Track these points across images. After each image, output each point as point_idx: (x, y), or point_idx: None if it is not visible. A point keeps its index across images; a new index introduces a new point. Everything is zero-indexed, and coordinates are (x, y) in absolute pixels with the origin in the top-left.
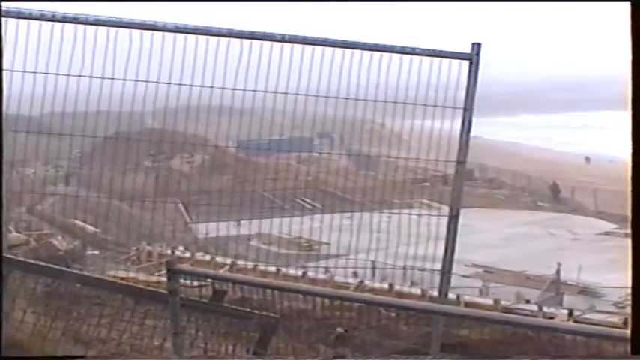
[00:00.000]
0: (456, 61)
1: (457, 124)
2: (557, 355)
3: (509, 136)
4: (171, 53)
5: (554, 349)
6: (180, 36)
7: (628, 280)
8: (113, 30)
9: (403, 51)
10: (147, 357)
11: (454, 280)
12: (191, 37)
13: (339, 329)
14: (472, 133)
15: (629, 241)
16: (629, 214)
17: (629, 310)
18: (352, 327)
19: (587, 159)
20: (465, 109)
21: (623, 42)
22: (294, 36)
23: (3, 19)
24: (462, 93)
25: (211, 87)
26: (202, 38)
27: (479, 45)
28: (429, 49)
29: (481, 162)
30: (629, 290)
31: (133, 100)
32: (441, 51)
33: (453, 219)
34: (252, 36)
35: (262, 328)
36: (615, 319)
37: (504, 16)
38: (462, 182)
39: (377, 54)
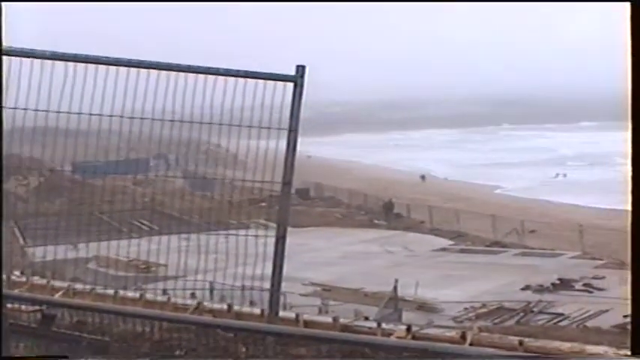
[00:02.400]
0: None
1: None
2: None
3: (345, 154)
4: (6, 77)
5: None
6: (15, 60)
7: (464, 295)
8: None
9: (227, 73)
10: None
11: (293, 299)
12: (26, 61)
13: (178, 352)
14: (310, 153)
15: (464, 257)
16: (468, 229)
17: (467, 324)
18: (190, 349)
19: (423, 177)
20: (290, 131)
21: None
22: (119, 59)
23: None
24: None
25: (46, 111)
26: (37, 61)
27: (303, 67)
28: (253, 72)
29: (317, 181)
30: (467, 305)
31: None
32: (265, 73)
33: (281, 239)
34: (86, 59)
35: (92, 352)
36: (453, 333)
37: (338, 38)
38: (289, 202)
39: (210, 77)
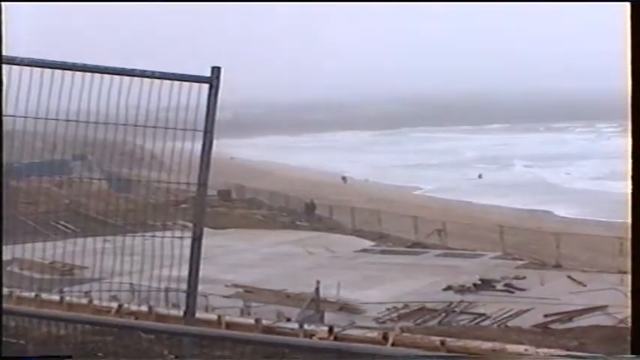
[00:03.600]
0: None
1: (216, 147)
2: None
3: (266, 156)
4: None
5: None
6: None
7: (386, 296)
8: None
9: (143, 74)
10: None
11: (215, 301)
12: None
13: (99, 354)
14: (232, 155)
15: (386, 258)
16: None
17: (389, 324)
18: (111, 352)
19: (344, 178)
20: (205, 132)
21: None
22: (34, 60)
23: None
24: (222, 114)
25: None
26: None
27: (219, 69)
28: (170, 73)
29: (239, 182)
30: (389, 306)
31: None
32: (180, 75)
33: (197, 240)
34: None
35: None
36: (375, 334)
37: (258, 39)
38: (204, 203)
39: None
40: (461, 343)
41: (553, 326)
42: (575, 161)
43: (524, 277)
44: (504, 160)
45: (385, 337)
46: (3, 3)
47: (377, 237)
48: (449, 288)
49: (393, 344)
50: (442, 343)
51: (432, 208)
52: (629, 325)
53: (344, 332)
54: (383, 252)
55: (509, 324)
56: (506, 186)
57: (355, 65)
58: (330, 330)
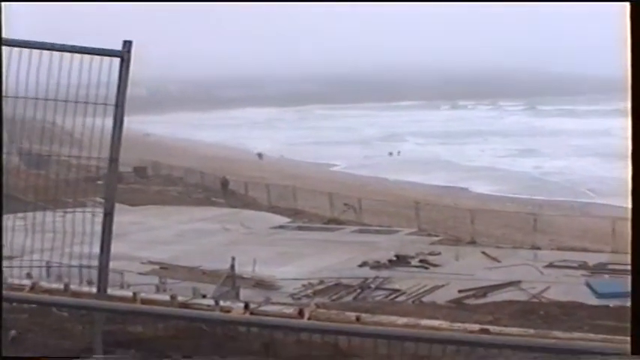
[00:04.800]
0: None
1: (131, 123)
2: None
3: (181, 132)
4: None
5: (229, 341)
6: None
7: (303, 272)
8: None
9: (53, 48)
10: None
11: (131, 278)
12: None
13: (13, 332)
14: (147, 131)
15: (302, 234)
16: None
17: (304, 300)
18: (26, 329)
19: (260, 155)
20: (116, 106)
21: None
22: None
23: None
24: (137, 90)
25: None
26: None
27: (130, 42)
28: (80, 47)
29: (154, 159)
30: (305, 282)
31: None
32: (92, 48)
33: (108, 216)
34: None
35: None
36: (291, 310)
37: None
38: (115, 179)
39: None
40: (376, 318)
41: (467, 301)
42: (476, 138)
43: (439, 253)
44: (401, 137)
45: (301, 313)
46: (3, 3)
47: (293, 213)
48: (364, 264)
49: (309, 319)
50: (357, 318)
51: (348, 184)
52: (542, 299)
53: (260, 308)
54: (299, 228)
55: (424, 299)
56: (421, 162)
57: (268, 44)
58: (246, 306)
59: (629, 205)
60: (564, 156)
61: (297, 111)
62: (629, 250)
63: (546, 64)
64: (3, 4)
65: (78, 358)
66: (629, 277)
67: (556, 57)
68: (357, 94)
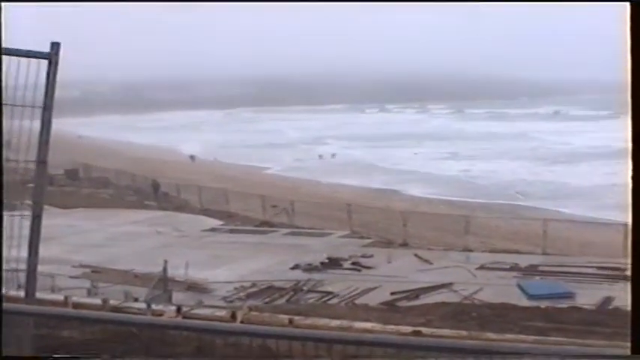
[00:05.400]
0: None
1: (64, 125)
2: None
3: (113, 135)
4: None
5: (161, 345)
6: None
7: (235, 275)
8: None
9: None
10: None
11: (62, 281)
12: None
13: None
14: (80, 133)
15: (234, 237)
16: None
17: (237, 303)
18: None
19: (192, 157)
20: (44, 109)
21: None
22: None
23: None
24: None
25: None
26: None
27: (58, 44)
28: (7, 48)
29: (86, 162)
30: (237, 285)
31: None
32: (19, 50)
33: (37, 218)
34: None
35: None
36: (223, 313)
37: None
38: (44, 181)
39: None
40: (309, 321)
41: (400, 304)
42: (401, 141)
43: (371, 256)
44: (325, 140)
45: (233, 316)
46: (3, 3)
47: (225, 216)
48: (297, 267)
49: (241, 322)
50: (290, 321)
51: (282, 187)
52: (474, 301)
53: (192, 311)
54: (231, 231)
55: (357, 302)
56: (354, 166)
57: (200, 46)
58: (178, 309)
59: (629, 205)
60: (493, 159)
61: (228, 114)
62: (630, 250)
63: (481, 67)
64: (3, 4)
65: (79, 358)
66: (560, 279)
67: (492, 61)
68: (285, 98)
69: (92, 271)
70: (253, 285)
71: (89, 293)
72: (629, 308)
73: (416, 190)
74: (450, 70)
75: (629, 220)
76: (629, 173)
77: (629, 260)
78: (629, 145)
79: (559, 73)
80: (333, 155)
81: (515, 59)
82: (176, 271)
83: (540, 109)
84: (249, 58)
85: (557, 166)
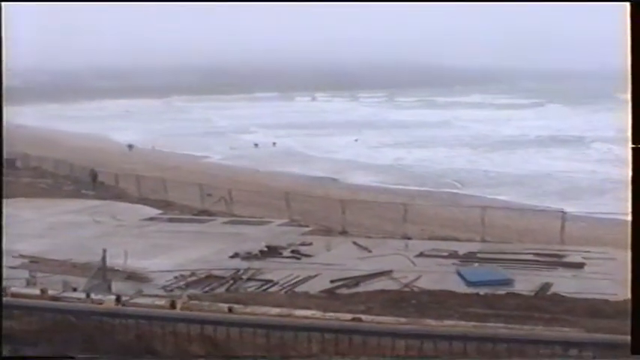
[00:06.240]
0: None
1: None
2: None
3: (52, 124)
4: None
5: (101, 334)
6: None
7: (174, 264)
8: None
9: None
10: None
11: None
12: None
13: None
14: (18, 122)
15: (173, 226)
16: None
17: (177, 292)
18: None
19: (130, 146)
20: None
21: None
22: None
23: None
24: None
25: None
26: None
27: None
28: None
29: (24, 151)
30: (177, 274)
31: None
32: None
33: None
34: None
35: None
36: (163, 302)
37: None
38: None
39: None
40: (248, 309)
41: (340, 291)
42: (332, 129)
43: (310, 244)
44: (252, 129)
45: (173, 305)
46: (3, 3)
47: (164, 205)
48: (236, 255)
49: (181, 311)
50: (230, 309)
51: (220, 176)
52: (413, 288)
53: (132, 301)
54: (170, 220)
55: (297, 290)
56: (292, 154)
57: (145, 34)
58: (118, 299)
59: (629, 205)
60: (428, 147)
61: (165, 102)
62: (630, 250)
63: (412, 55)
64: (3, 4)
65: (73, 358)
66: (499, 266)
67: (424, 48)
68: (215, 86)
69: (31, 261)
70: (193, 274)
71: (28, 283)
72: (567, 294)
73: (354, 179)
74: (381, 58)
75: (629, 220)
76: (630, 173)
77: (566, 247)
78: (629, 144)
79: (499, 62)
80: (274, 144)
81: (453, 48)
82: (115, 261)
83: (473, 97)
84: (189, 47)
85: (493, 153)
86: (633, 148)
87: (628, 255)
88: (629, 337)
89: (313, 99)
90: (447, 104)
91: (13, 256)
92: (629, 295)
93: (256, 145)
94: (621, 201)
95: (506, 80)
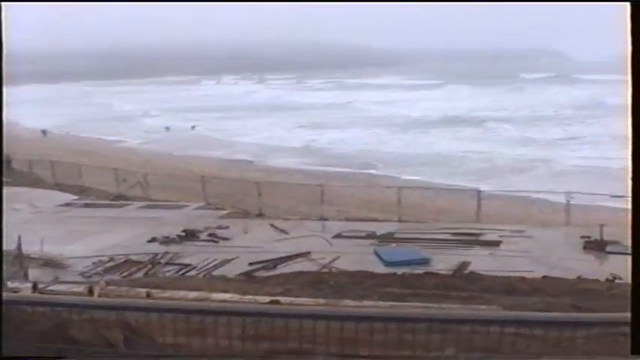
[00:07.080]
0: None
1: None
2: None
3: None
4: None
5: (18, 323)
6: None
7: (92, 250)
8: None
9: None
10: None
11: None
12: None
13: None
14: None
15: (89, 211)
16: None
17: (95, 278)
18: None
19: (44, 132)
20: None
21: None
22: None
23: None
24: None
25: None
26: None
27: None
28: None
29: None
30: (94, 259)
31: None
32: None
33: None
34: None
35: None
36: (81, 288)
37: None
38: None
39: None
40: (167, 293)
41: (258, 274)
42: (240, 112)
43: (227, 227)
44: (157, 113)
45: (91, 291)
46: (3, 3)
47: (79, 190)
48: (153, 240)
49: (99, 297)
50: (148, 294)
51: (135, 160)
52: (331, 269)
53: (49, 288)
54: (86, 205)
55: (215, 273)
56: (193, 139)
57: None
58: (34, 286)
59: (629, 205)
60: (342, 128)
61: (76, 87)
62: (630, 250)
63: (326, 35)
64: (3, 4)
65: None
66: (416, 245)
67: (338, 28)
68: (126, 70)
69: None
70: (110, 259)
71: None
72: (484, 272)
73: (270, 161)
74: (293, 39)
75: (630, 220)
76: (630, 174)
77: (483, 225)
78: (629, 144)
79: (414, 43)
80: (194, 127)
81: (357, 26)
82: (31, 247)
83: (379, 79)
84: (94, 30)
85: (404, 134)
86: (633, 149)
87: (543, 233)
88: (547, 313)
89: (219, 82)
90: (355, 86)
91: None
92: (543, 273)
93: (167, 128)
94: (535, 180)
95: (420, 60)
